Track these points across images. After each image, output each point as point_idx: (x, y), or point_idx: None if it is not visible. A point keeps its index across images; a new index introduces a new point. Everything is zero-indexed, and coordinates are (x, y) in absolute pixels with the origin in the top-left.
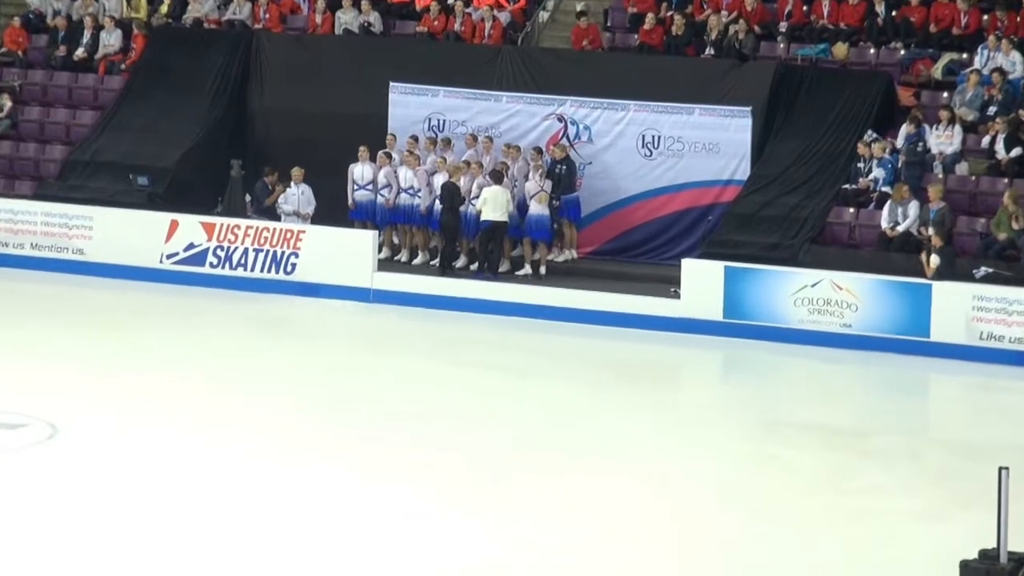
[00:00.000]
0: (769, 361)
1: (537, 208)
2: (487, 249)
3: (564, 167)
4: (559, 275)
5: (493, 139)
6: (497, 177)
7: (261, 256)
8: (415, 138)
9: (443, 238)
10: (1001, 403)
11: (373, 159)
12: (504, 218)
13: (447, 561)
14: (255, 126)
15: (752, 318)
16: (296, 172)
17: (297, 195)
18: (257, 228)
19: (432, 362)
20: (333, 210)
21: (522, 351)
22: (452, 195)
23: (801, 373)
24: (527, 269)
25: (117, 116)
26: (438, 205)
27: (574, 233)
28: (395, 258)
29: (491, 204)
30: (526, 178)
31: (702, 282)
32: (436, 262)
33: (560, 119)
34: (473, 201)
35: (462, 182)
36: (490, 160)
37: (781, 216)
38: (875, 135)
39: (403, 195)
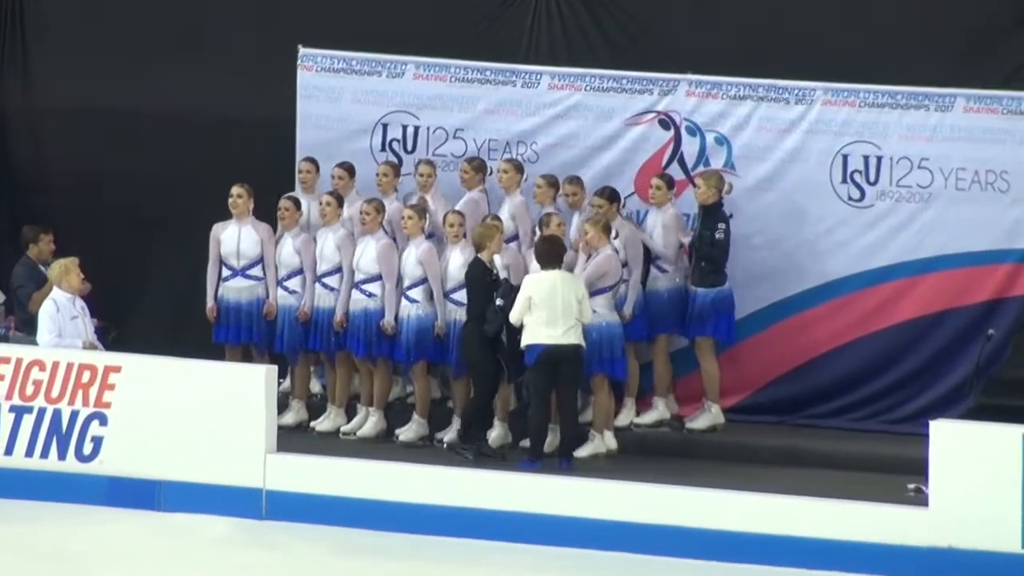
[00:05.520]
0: None
1: (604, 312)
2: (522, 403)
3: (720, 227)
4: (657, 454)
5: (523, 167)
6: (552, 251)
7: (29, 423)
8: (345, 169)
9: (473, 384)
10: None
11: (263, 215)
12: (578, 340)
13: None
14: (16, 146)
15: None
16: (64, 270)
17: (80, 316)
18: (20, 362)
19: None
20: (177, 323)
21: None
22: (480, 283)
23: None
24: (596, 444)
25: None
26: (417, 309)
27: (715, 370)
28: (312, 425)
29: (546, 309)
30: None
31: (976, 470)
32: (448, 435)
33: (666, 122)
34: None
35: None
36: (515, 208)
37: None
38: None
39: (322, 287)
